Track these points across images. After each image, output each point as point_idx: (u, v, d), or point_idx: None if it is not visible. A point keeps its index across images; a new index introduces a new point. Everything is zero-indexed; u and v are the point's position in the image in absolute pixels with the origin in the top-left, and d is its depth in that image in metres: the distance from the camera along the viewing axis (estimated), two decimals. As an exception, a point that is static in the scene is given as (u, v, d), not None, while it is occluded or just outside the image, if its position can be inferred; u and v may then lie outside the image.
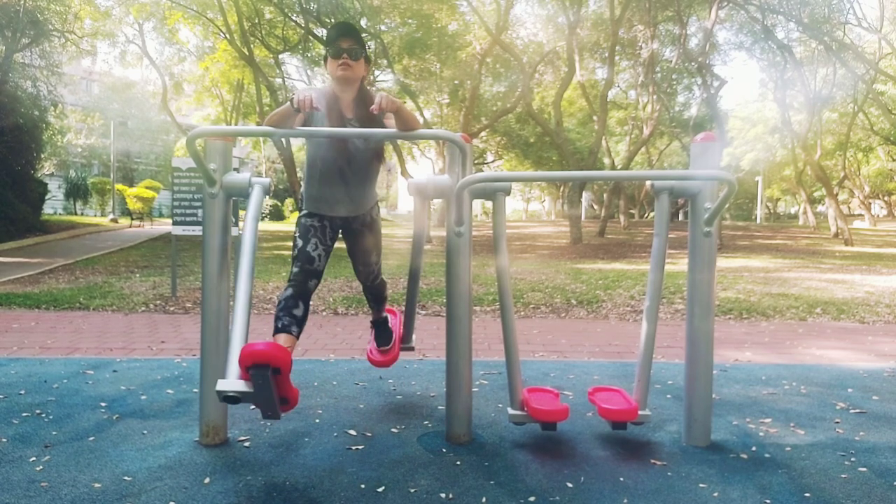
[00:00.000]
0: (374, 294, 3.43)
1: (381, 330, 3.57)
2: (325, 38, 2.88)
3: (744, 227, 32.88)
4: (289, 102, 2.58)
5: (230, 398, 2.16)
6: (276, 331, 2.68)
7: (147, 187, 30.39)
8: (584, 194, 29.21)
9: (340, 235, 3.14)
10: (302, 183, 3.10)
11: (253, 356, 2.09)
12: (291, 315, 2.70)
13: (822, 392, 3.78)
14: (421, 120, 2.80)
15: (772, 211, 55.63)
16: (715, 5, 18.01)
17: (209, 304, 2.79)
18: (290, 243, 3.27)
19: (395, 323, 3.71)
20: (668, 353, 4.94)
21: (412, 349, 3.77)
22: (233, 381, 2.15)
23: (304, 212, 3.03)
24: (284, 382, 2.21)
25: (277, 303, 2.77)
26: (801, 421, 3.23)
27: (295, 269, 2.83)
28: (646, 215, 45.29)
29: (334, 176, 2.92)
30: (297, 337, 2.71)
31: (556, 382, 3.95)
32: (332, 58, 2.82)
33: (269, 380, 2.12)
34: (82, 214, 31.91)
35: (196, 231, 7.12)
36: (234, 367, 2.19)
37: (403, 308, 3.63)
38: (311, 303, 2.86)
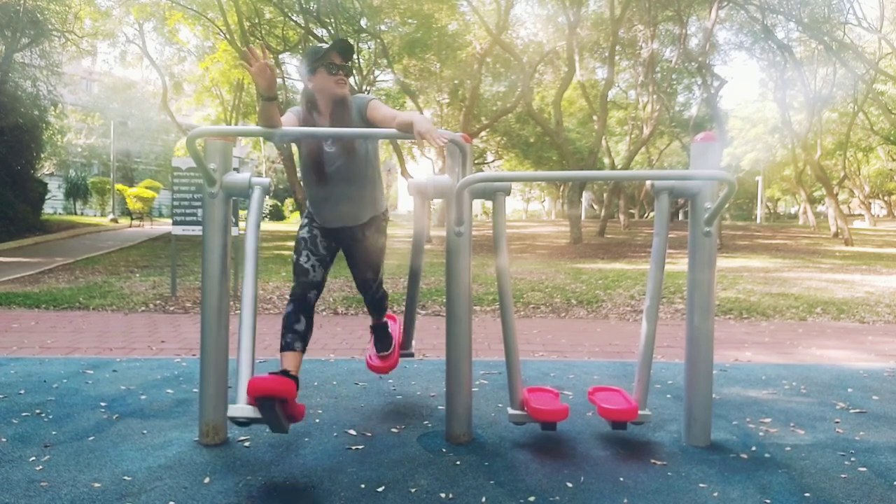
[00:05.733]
0: (374, 305, 3.40)
1: (380, 335, 3.51)
2: (317, 51, 2.84)
3: (744, 226, 32.88)
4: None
5: (241, 423, 2.39)
6: (282, 348, 2.83)
7: (147, 187, 30.39)
8: (584, 194, 29.21)
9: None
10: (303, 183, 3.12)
11: (259, 390, 2.28)
12: (294, 331, 2.83)
13: (822, 392, 3.78)
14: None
15: (772, 211, 55.60)
16: (715, 5, 18.00)
17: (209, 303, 2.79)
18: (291, 242, 3.31)
19: (395, 328, 3.66)
20: (668, 353, 4.94)
21: (412, 355, 3.74)
22: (243, 407, 2.34)
23: (304, 215, 3.07)
24: (290, 406, 2.42)
25: (282, 319, 2.87)
26: (801, 421, 3.23)
27: (294, 285, 2.94)
28: (646, 215, 45.28)
29: (313, 182, 2.91)
30: (303, 351, 2.84)
31: (556, 382, 3.95)
32: (327, 72, 2.81)
33: (276, 408, 2.33)
34: (82, 214, 31.93)
35: (196, 231, 7.12)
36: (243, 392, 2.35)
37: (403, 312, 3.61)
38: (314, 313, 2.94)
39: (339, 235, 3.05)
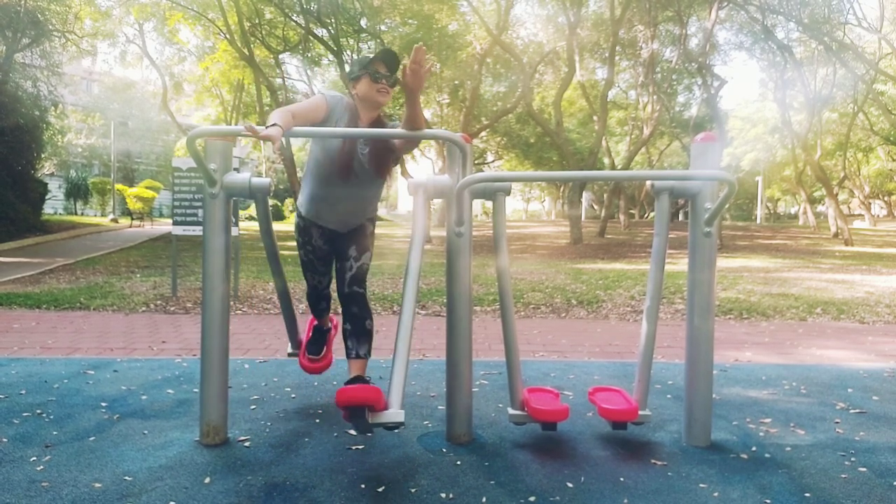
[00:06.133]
0: (353, 316, 2.99)
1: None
2: (363, 59, 2.88)
3: (744, 227, 32.88)
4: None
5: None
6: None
7: (147, 187, 30.39)
8: (584, 194, 29.22)
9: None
10: (302, 182, 3.12)
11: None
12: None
13: (822, 392, 3.78)
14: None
15: (772, 211, 55.58)
16: (715, 5, 18.01)
17: (209, 304, 2.80)
18: (291, 243, 3.35)
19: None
20: (668, 353, 4.94)
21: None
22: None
23: (298, 217, 3.08)
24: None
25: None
26: (801, 421, 3.23)
27: (311, 306, 3.42)
28: (646, 215, 45.27)
29: (334, 180, 2.92)
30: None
31: (557, 382, 3.95)
32: (371, 79, 2.82)
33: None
34: (82, 214, 31.96)
35: (196, 231, 7.12)
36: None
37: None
38: (332, 320, 3.43)
39: (335, 235, 3.08)
